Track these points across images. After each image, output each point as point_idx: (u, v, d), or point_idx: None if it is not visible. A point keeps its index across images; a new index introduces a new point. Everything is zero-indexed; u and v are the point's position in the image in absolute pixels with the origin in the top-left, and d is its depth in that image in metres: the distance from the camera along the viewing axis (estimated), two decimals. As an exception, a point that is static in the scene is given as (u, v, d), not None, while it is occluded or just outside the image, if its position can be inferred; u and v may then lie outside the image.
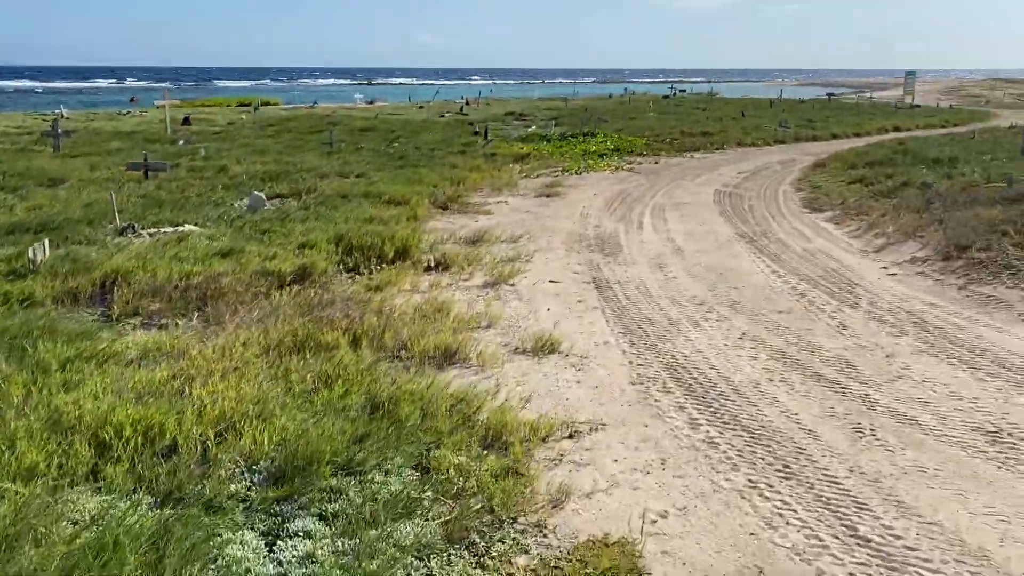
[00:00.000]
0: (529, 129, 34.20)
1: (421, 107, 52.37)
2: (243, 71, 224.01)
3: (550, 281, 10.33)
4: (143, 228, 12.46)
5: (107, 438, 4.69)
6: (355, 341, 7.21)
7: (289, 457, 4.62)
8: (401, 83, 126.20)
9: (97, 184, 17.80)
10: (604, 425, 6.03)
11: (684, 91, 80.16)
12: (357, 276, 10.13)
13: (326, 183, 17.56)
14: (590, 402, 6.48)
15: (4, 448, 4.56)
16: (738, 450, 5.64)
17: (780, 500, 4.99)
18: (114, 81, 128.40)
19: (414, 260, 10.97)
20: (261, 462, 4.69)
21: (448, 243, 12.50)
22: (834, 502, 4.98)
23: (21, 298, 8.17)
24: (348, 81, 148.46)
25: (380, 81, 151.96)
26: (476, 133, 31.16)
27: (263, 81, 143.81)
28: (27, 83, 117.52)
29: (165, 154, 23.75)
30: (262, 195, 14.95)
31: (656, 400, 6.54)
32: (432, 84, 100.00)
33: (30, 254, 9.04)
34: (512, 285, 10.09)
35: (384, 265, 10.57)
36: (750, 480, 5.23)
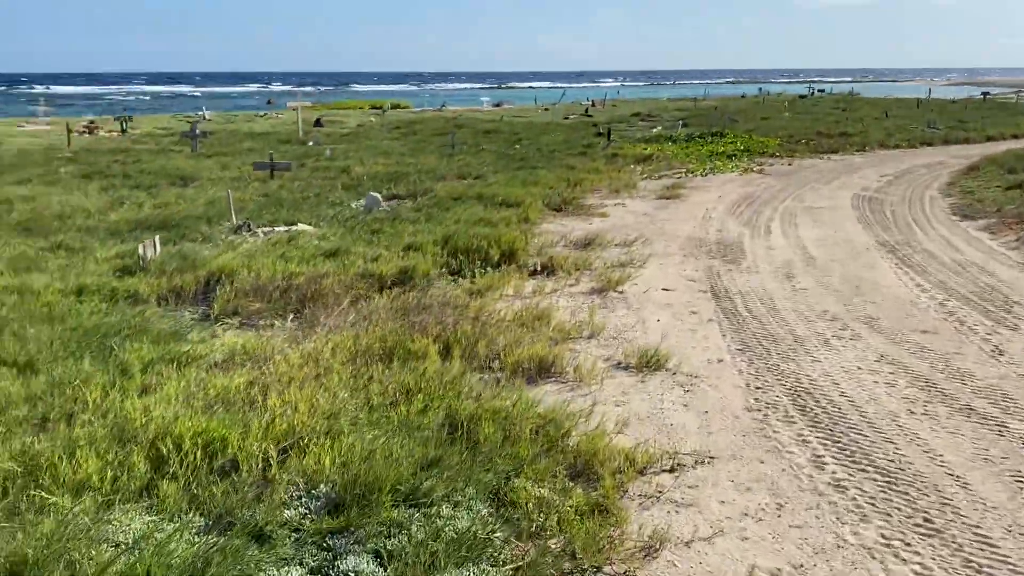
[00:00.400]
0: (654, 130, 33.22)
1: (546, 109, 52.10)
2: (382, 75, 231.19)
3: (662, 289, 9.62)
4: (258, 227, 12.56)
5: (165, 451, 4.41)
6: (446, 349, 6.78)
7: (349, 482, 4.19)
8: (530, 87, 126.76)
9: (224, 183, 18.29)
10: (712, 458, 5.32)
11: (823, 91, 76.46)
12: (460, 279, 9.73)
13: (441, 185, 17.38)
14: (697, 430, 5.78)
15: (63, 456, 4.35)
16: (870, 497, 4.82)
17: (919, 563, 4.17)
18: (261, 85, 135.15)
19: (520, 264, 10.49)
20: (321, 486, 4.29)
21: (558, 246, 11.97)
22: (987, 570, 4.12)
23: (126, 295, 8.20)
24: (478, 85, 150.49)
25: (509, 85, 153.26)
26: (599, 135, 30.50)
27: (399, 86, 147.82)
28: (183, 88, 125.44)
29: (293, 155, 24.36)
30: (378, 196, 14.88)
31: (775, 431, 5.76)
32: (560, 87, 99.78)
33: (140, 251, 9.13)
34: (621, 292, 9.44)
35: (489, 268, 10.13)
36: (883, 536, 4.42)
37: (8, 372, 5.63)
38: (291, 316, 8.13)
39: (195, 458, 4.39)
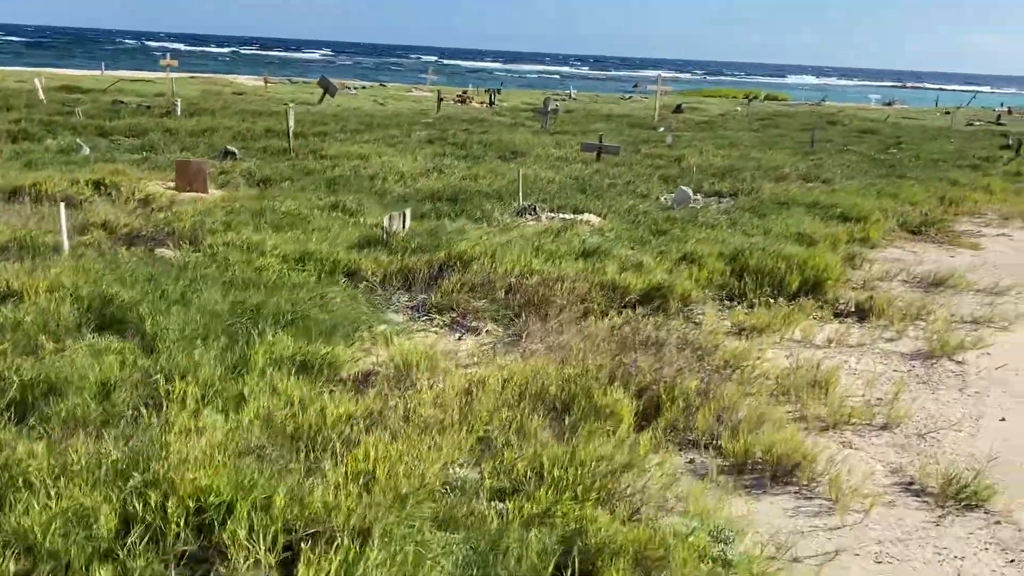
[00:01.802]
0: (1086, 147, 26.59)
1: (947, 112, 45.07)
2: (777, 67, 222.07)
3: (1028, 370, 6.69)
4: (544, 211, 11.47)
5: (135, 509, 3.27)
6: (653, 412, 4.97)
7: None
8: (941, 88, 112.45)
9: (550, 161, 17.64)
10: None
11: None
12: (735, 309, 7.67)
13: (774, 186, 14.95)
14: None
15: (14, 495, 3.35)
16: None
17: None
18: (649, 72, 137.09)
19: (826, 298, 8.09)
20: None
21: (893, 280, 9.23)
22: None
23: (348, 269, 7.49)
24: (874, 82, 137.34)
25: (912, 85, 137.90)
26: (1007, 147, 25.12)
27: (787, 78, 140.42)
28: (564, 68, 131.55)
29: (637, 139, 23.16)
30: (689, 191, 13.04)
31: None
32: (974, 90, 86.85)
33: (385, 223, 8.41)
34: (959, 363, 6.71)
35: (781, 299, 7.92)
36: None
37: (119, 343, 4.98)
38: (505, 322, 6.82)
39: (180, 522, 3.19)
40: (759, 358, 6.36)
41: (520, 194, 11.48)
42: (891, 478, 4.71)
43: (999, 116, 41.79)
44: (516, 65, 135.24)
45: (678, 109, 35.71)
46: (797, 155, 20.58)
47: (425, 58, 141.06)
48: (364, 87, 40.46)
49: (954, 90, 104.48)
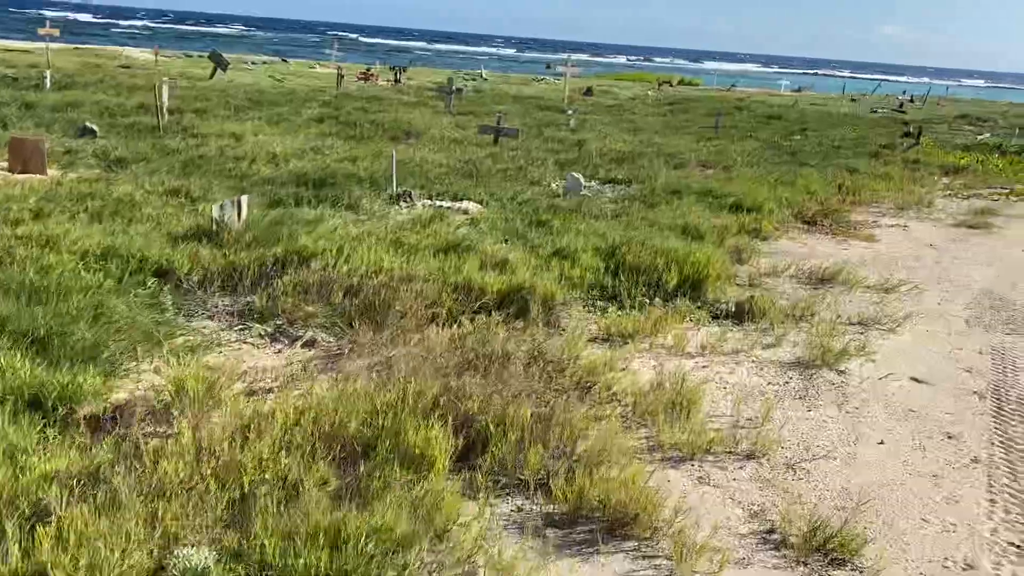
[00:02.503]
0: (980, 137, 27.13)
1: (853, 100, 45.82)
2: (687, 52, 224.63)
3: (912, 379, 6.14)
4: (421, 197, 10.55)
5: None
6: (481, 447, 4.16)
7: None
8: (852, 76, 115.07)
9: (445, 143, 16.70)
10: None
11: None
12: (607, 313, 6.93)
13: (674, 173, 14.38)
14: None
15: None
16: None
17: None
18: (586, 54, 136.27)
19: (705, 298, 7.44)
20: None
21: (781, 276, 8.67)
22: None
23: (157, 267, 6.44)
24: (782, 69, 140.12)
25: (823, 72, 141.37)
26: (907, 134, 25.30)
27: (701, 63, 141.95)
28: (491, 49, 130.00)
29: (543, 122, 22.38)
30: (580, 178, 12.31)
31: None
32: (880, 79, 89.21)
33: (215, 213, 7.35)
34: (840, 372, 6.12)
35: (658, 299, 7.23)
36: None
37: None
38: (342, 331, 5.91)
39: None
40: (623, 370, 5.63)
41: (394, 179, 10.53)
42: (749, 525, 4.01)
43: (901, 104, 42.63)
44: (442, 45, 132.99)
45: (588, 92, 35.10)
46: (701, 141, 20.17)
47: (343, 34, 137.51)
48: (265, 63, 38.56)
49: (863, 78, 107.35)
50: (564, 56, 40.80)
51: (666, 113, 28.73)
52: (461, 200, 10.55)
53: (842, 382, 5.93)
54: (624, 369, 5.67)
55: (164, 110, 17.30)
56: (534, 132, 19.70)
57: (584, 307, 7.00)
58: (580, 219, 9.57)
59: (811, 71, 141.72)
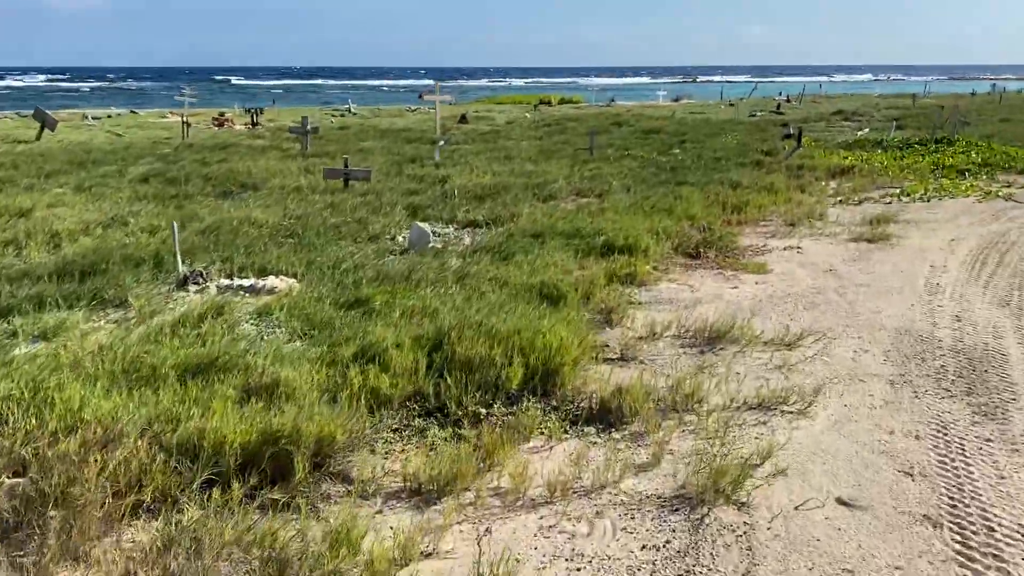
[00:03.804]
0: (859, 133, 26.66)
1: (731, 104, 45.71)
2: (559, 71, 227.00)
3: (837, 501, 4.41)
4: (214, 278, 8.44)
5: None
6: None
7: None
8: (727, 81, 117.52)
9: (285, 194, 14.57)
10: None
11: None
12: (428, 435, 5.00)
13: (538, 208, 12.67)
14: None
15: None
16: None
17: None
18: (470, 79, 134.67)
19: (562, 395, 5.61)
20: None
21: (660, 339, 6.93)
22: None
23: None
24: (665, 79, 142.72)
25: (703, 79, 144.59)
26: (787, 136, 24.50)
27: (575, 79, 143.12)
28: (358, 81, 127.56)
29: (407, 157, 20.43)
30: (426, 228, 10.40)
31: None
32: (755, 81, 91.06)
33: None
34: (743, 508, 4.34)
35: (499, 406, 5.36)
36: None
37: None
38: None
39: None
40: (427, 557, 3.71)
41: (178, 256, 8.36)
42: None
43: (779, 105, 42.63)
44: (323, 80, 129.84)
45: (463, 119, 33.45)
46: (576, 164, 18.61)
47: (223, 78, 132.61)
48: (110, 116, 35.39)
49: (740, 81, 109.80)
50: (430, 83, 39.03)
51: (542, 136, 27.23)
52: (268, 275, 8.48)
53: (746, 527, 4.14)
54: (429, 555, 3.75)
55: (-55, 185, 14.65)
56: (394, 171, 17.76)
57: (393, 432, 5.05)
58: (411, 290, 7.64)
59: (688, 79, 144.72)
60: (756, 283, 9.09)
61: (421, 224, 10.43)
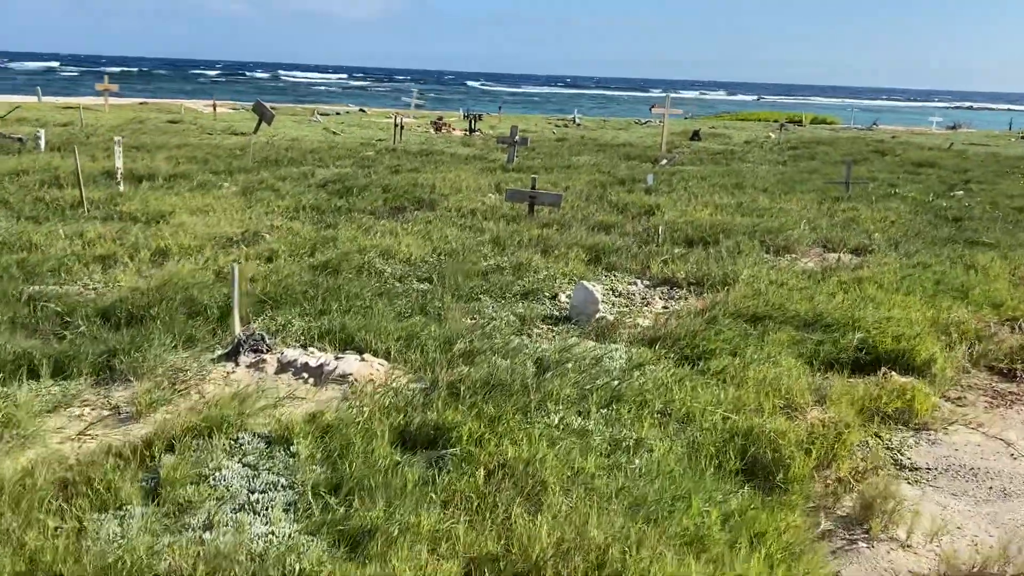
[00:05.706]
0: None
1: (1022, 137, 38.34)
2: (828, 89, 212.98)
3: None
4: (279, 346, 6.05)
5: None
6: None
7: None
8: (1009, 108, 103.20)
9: (459, 216, 12.27)
10: None
11: None
12: None
13: (765, 266, 9.32)
14: None
15: None
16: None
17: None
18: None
19: None
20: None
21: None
22: None
23: None
24: (936, 103, 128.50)
25: (979, 106, 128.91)
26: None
27: (838, 99, 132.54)
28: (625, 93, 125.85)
29: (620, 178, 17.52)
30: (594, 292, 7.42)
31: None
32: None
33: None
34: None
35: None
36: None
37: None
38: None
39: None
40: None
41: (235, 312, 6.03)
42: None
43: (1089, 141, 34.97)
44: (566, 90, 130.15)
45: (695, 136, 29.98)
46: (825, 202, 14.78)
47: (472, 84, 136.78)
48: (338, 113, 35.57)
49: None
50: (662, 94, 35.73)
51: (786, 161, 23.22)
52: (350, 350, 5.96)
53: None
54: None
55: (118, 175, 13.79)
56: (596, 194, 14.93)
57: None
58: (529, 416, 4.75)
59: (964, 104, 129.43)
60: None
61: (588, 285, 7.48)
